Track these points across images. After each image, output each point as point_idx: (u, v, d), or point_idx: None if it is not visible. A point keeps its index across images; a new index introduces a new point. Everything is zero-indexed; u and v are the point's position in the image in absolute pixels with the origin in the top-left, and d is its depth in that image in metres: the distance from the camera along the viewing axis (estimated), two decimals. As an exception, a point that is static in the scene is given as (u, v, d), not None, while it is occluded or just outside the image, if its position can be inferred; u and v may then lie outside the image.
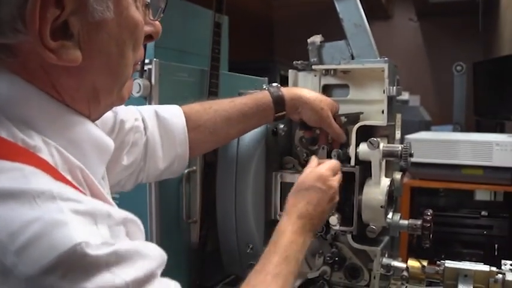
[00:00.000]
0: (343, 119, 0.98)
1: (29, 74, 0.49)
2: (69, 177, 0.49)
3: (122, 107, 0.80)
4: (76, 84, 0.52)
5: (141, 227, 0.52)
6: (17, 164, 0.44)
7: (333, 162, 0.90)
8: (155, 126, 0.86)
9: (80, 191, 0.48)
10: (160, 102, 1.05)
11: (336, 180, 0.87)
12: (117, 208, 0.49)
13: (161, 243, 1.04)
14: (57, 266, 0.40)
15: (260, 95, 0.94)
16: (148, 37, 0.61)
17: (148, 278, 0.46)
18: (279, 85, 0.98)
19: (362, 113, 1.01)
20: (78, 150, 0.53)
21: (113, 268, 0.43)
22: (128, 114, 0.82)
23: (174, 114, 0.89)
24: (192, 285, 1.16)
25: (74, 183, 0.49)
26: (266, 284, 0.69)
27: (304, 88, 1.01)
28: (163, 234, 1.07)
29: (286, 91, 0.95)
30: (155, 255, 0.49)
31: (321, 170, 0.86)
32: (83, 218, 0.43)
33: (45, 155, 0.48)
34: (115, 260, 0.43)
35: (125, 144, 0.81)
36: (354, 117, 1.00)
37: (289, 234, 0.77)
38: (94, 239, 0.42)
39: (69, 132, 0.52)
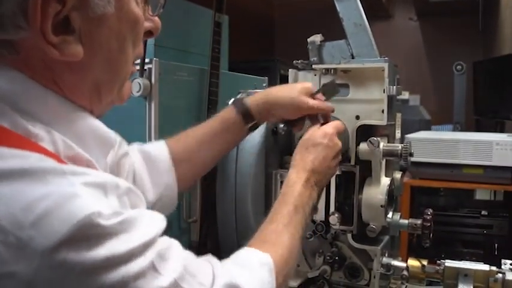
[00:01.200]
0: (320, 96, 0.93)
1: (31, 70, 0.50)
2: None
3: None
4: (78, 80, 0.53)
5: (142, 197, 0.55)
6: (18, 151, 0.45)
7: (337, 122, 0.90)
8: (139, 157, 0.84)
9: None
10: (161, 102, 1.05)
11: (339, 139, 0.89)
12: (122, 180, 0.51)
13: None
14: (72, 237, 0.41)
15: (226, 110, 0.92)
16: (148, 33, 0.62)
17: (154, 239, 0.49)
18: (246, 94, 0.96)
19: (334, 81, 0.96)
20: (82, 143, 0.53)
21: (122, 235, 0.45)
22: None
23: (156, 146, 0.88)
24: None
25: None
26: (278, 233, 0.72)
27: (274, 87, 0.97)
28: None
29: (252, 99, 0.92)
30: (157, 219, 0.53)
31: (327, 128, 0.87)
32: (94, 190, 0.45)
33: (46, 143, 0.49)
34: (125, 227, 0.45)
35: (120, 167, 0.78)
36: (331, 86, 0.94)
37: (297, 187, 0.79)
38: (105, 209, 0.44)
39: (72, 126, 0.53)
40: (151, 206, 0.84)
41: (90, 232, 0.42)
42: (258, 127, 0.94)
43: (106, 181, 0.47)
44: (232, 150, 1.04)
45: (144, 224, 0.49)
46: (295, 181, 0.79)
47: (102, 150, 0.57)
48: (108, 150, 0.59)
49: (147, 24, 0.60)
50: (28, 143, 0.47)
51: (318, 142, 0.84)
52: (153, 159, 0.85)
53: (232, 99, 0.95)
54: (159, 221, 0.54)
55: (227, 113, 0.91)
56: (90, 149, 0.54)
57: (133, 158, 0.82)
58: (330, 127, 0.87)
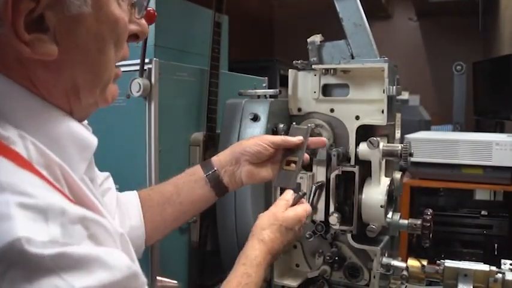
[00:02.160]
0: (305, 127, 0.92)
1: (6, 68, 0.49)
2: (44, 172, 0.46)
3: None
4: (53, 79, 0.51)
5: (111, 230, 0.46)
6: None
7: (308, 208, 0.89)
8: (114, 200, 0.83)
9: (54, 187, 0.46)
10: (161, 102, 1.05)
11: None
12: (77, 207, 0.44)
13: (162, 243, 1.05)
14: None
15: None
16: (134, 36, 0.60)
17: None
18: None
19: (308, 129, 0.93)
20: (57, 146, 0.51)
21: (62, 273, 0.39)
22: (100, 173, 0.80)
23: (128, 193, 0.87)
24: (192, 285, 1.16)
25: (49, 179, 0.46)
26: None
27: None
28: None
29: (218, 162, 0.89)
30: (120, 266, 0.43)
31: (303, 215, 0.86)
32: (31, 213, 0.40)
33: (18, 147, 0.46)
34: (66, 263, 0.40)
35: (106, 198, 0.79)
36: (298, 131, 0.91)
37: (261, 269, 0.77)
38: (40, 236, 0.39)
39: (47, 127, 0.51)
40: None
41: (16, 260, 0.38)
42: (223, 187, 0.88)
43: (49, 205, 0.41)
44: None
45: (99, 267, 0.41)
46: (259, 262, 0.78)
47: (80, 154, 0.54)
48: (87, 154, 0.56)
49: (132, 27, 0.59)
50: None
51: (291, 227, 0.83)
52: (122, 201, 0.84)
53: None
54: (125, 268, 0.44)
55: (191, 168, 0.90)
56: (66, 153, 0.52)
57: (112, 200, 0.82)
58: (304, 215, 0.86)
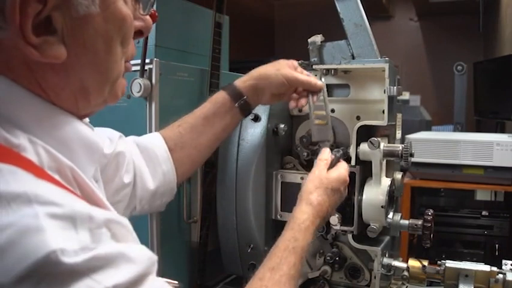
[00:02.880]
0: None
1: (13, 72, 0.47)
2: (56, 177, 0.47)
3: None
4: (62, 82, 0.50)
5: (129, 227, 0.49)
6: None
7: (346, 166, 0.90)
8: (135, 148, 0.85)
9: (69, 190, 0.46)
10: (161, 102, 1.05)
11: None
12: (100, 210, 0.46)
13: (162, 243, 1.05)
14: (31, 275, 0.38)
15: (216, 94, 0.94)
16: (139, 33, 0.59)
17: (135, 282, 0.44)
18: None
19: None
20: (66, 149, 0.51)
21: (94, 274, 0.41)
22: (113, 134, 0.82)
23: (151, 136, 0.89)
24: (192, 285, 1.16)
25: (62, 182, 0.47)
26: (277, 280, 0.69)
27: (260, 66, 0.97)
28: (164, 234, 1.07)
29: (239, 79, 0.94)
30: (142, 258, 0.46)
31: (346, 175, 0.88)
32: (61, 223, 0.40)
33: (30, 154, 0.46)
34: (96, 265, 0.41)
35: (121, 158, 0.80)
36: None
37: (308, 233, 0.79)
38: (72, 244, 0.40)
39: (56, 131, 0.50)
40: (153, 195, 0.86)
41: (51, 272, 0.38)
42: (250, 110, 0.94)
43: (76, 213, 0.42)
44: (232, 149, 1.04)
45: (124, 261, 0.44)
46: (308, 226, 0.79)
47: (89, 157, 0.55)
48: (95, 157, 0.56)
49: (137, 24, 0.58)
50: (7, 153, 0.44)
51: (337, 188, 0.85)
52: (150, 150, 0.86)
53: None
54: (146, 259, 0.47)
55: (217, 96, 0.93)
56: (76, 156, 0.52)
57: (132, 151, 0.83)
58: (347, 174, 0.88)
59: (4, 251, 0.38)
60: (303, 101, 0.94)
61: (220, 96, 0.92)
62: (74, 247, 0.40)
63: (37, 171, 0.44)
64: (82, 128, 0.54)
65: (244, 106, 0.92)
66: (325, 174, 0.85)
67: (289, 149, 1.10)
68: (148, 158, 0.86)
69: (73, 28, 0.48)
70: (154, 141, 0.88)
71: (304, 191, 0.84)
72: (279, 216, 1.06)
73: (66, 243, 0.39)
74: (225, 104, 0.92)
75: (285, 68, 0.93)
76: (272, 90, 0.93)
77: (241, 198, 1.07)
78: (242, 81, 0.93)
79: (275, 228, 1.09)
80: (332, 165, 0.88)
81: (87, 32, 0.49)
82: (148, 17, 0.60)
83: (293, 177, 1.05)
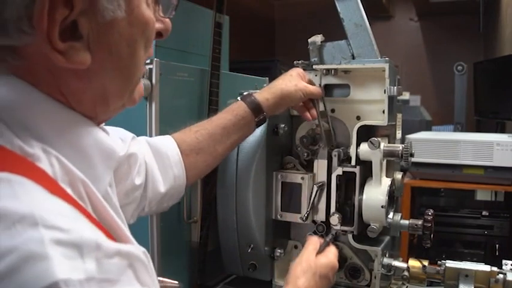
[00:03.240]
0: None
1: (34, 77, 0.47)
2: (69, 190, 0.45)
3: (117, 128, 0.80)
4: (84, 87, 0.49)
5: (145, 260, 0.46)
6: (4, 174, 0.40)
7: (335, 252, 0.90)
8: (148, 150, 0.85)
9: (80, 207, 0.44)
10: (161, 102, 1.05)
11: None
12: (110, 242, 0.43)
13: (162, 243, 1.05)
14: None
15: (235, 106, 0.94)
16: (158, 35, 0.58)
17: None
18: (250, 91, 0.99)
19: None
20: (84, 157, 0.50)
21: None
22: (125, 134, 0.81)
23: (164, 139, 0.89)
24: (192, 285, 1.16)
25: (74, 197, 0.45)
26: None
27: (275, 80, 1.00)
28: (164, 234, 1.07)
29: (261, 95, 0.95)
30: None
31: (335, 261, 0.88)
32: (66, 250, 0.38)
33: (44, 164, 0.44)
34: None
35: (133, 160, 0.79)
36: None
37: None
38: (76, 274, 0.38)
39: (74, 138, 0.49)
40: (162, 197, 0.86)
41: None
42: (264, 122, 0.96)
43: (84, 241, 0.40)
44: (233, 150, 1.05)
45: None
46: None
47: (106, 164, 0.53)
48: (112, 164, 0.55)
49: (157, 26, 0.56)
50: (21, 162, 0.43)
51: (326, 275, 0.84)
52: (163, 152, 0.86)
53: (240, 96, 0.97)
54: None
55: (238, 108, 0.93)
56: (93, 164, 0.51)
57: (144, 152, 0.83)
58: (336, 261, 0.88)
59: (4, 277, 0.36)
60: (314, 112, 1.02)
61: (242, 109, 0.93)
62: (79, 277, 0.38)
63: (50, 184, 0.43)
64: (100, 135, 0.53)
65: (262, 120, 0.95)
66: (314, 258, 0.85)
67: (290, 149, 1.10)
68: (160, 160, 0.85)
69: (99, 33, 0.47)
70: (167, 144, 0.88)
71: (291, 275, 0.82)
72: (279, 216, 1.06)
73: (71, 273, 0.38)
74: (245, 117, 0.93)
75: (301, 82, 0.99)
76: (289, 105, 1.01)
77: (241, 198, 1.07)
78: (265, 99, 0.95)
79: (275, 228, 1.09)
80: (321, 250, 0.87)
81: (112, 37, 0.48)
82: (167, 19, 0.59)
83: (293, 177, 1.05)
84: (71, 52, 0.45)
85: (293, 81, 0.98)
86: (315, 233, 1.05)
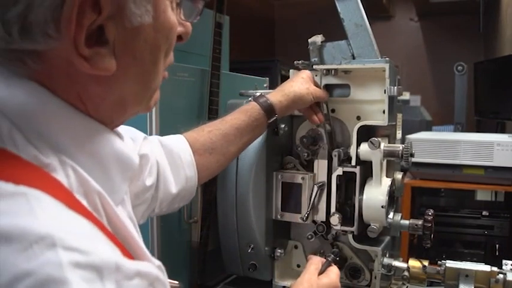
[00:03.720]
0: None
1: (52, 82, 0.45)
2: (84, 202, 0.44)
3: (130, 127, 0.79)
4: (104, 94, 0.48)
5: (163, 278, 0.46)
6: (21, 188, 0.38)
7: (337, 272, 0.90)
8: (160, 150, 0.84)
9: (95, 220, 0.43)
10: (161, 102, 1.04)
11: None
12: (130, 261, 0.42)
13: (162, 243, 1.05)
14: None
15: (248, 107, 0.94)
16: (178, 38, 0.56)
17: None
18: (262, 93, 0.99)
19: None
20: (101, 167, 0.48)
21: None
22: (136, 134, 0.80)
23: (176, 139, 0.88)
24: (193, 285, 1.16)
25: (89, 209, 0.44)
26: None
27: (286, 82, 1.01)
28: (164, 234, 1.07)
29: (274, 97, 0.95)
30: None
31: (337, 281, 0.87)
32: (86, 273, 0.37)
33: (59, 175, 0.43)
34: None
35: (144, 160, 0.78)
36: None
37: None
38: None
39: (91, 147, 0.48)
40: (173, 198, 0.85)
41: None
42: (275, 123, 0.97)
43: (103, 263, 0.38)
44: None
45: None
46: None
47: (122, 174, 0.52)
48: (129, 175, 0.54)
49: (178, 29, 0.54)
50: (37, 173, 0.41)
51: None
52: (175, 153, 0.85)
53: (252, 97, 0.97)
54: None
55: (251, 109, 0.94)
56: (110, 175, 0.50)
57: (156, 152, 0.82)
58: (338, 281, 0.88)
59: None
60: (321, 116, 1.02)
61: (256, 111, 0.93)
62: None
63: (66, 197, 0.41)
64: (118, 144, 0.51)
65: (273, 122, 0.95)
66: (316, 279, 0.84)
67: (290, 149, 1.10)
68: (172, 161, 0.84)
69: (125, 39, 0.45)
70: (180, 144, 0.87)
71: None
72: (279, 216, 1.06)
73: None
74: (258, 119, 0.93)
75: (311, 85, 1.00)
76: (299, 108, 1.01)
77: (241, 198, 1.07)
78: (278, 101, 0.95)
79: (275, 228, 1.09)
80: (323, 270, 0.87)
81: (138, 43, 0.47)
82: (188, 22, 0.57)
83: (293, 177, 1.05)
84: (96, 58, 0.44)
85: (305, 84, 0.99)
86: (315, 233, 1.05)
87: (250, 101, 0.96)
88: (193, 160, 0.87)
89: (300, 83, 0.99)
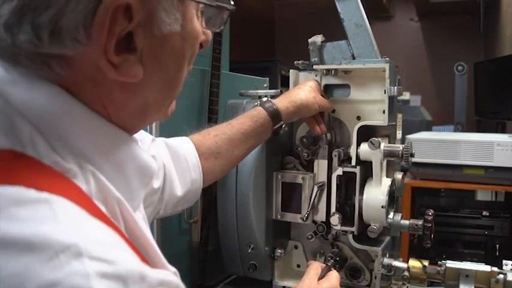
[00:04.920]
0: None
1: (76, 87, 0.44)
2: (103, 208, 0.43)
3: None
4: (127, 100, 0.47)
5: (182, 286, 0.47)
6: (44, 195, 0.37)
7: (337, 276, 0.90)
8: (166, 152, 0.84)
9: (114, 226, 0.43)
10: (161, 102, 1.05)
11: None
12: (153, 270, 0.42)
13: (162, 243, 1.05)
14: None
15: (255, 112, 0.94)
16: (199, 45, 0.56)
17: None
18: (270, 98, 0.98)
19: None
20: (120, 173, 0.48)
21: None
22: (145, 136, 0.80)
23: (182, 141, 0.88)
24: (193, 285, 1.16)
25: (108, 216, 0.43)
26: None
27: (294, 89, 1.01)
28: (164, 234, 1.07)
29: (280, 103, 0.95)
30: None
31: (337, 285, 0.88)
32: (112, 283, 0.36)
33: (80, 181, 0.42)
34: None
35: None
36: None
37: None
38: None
39: (113, 153, 0.48)
40: (178, 201, 0.85)
41: None
42: (280, 129, 0.97)
43: (128, 272, 0.38)
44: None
45: None
46: None
47: (141, 181, 0.52)
48: (146, 181, 0.54)
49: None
50: (58, 179, 0.41)
51: None
52: (181, 155, 0.85)
53: (258, 102, 0.97)
54: None
55: (258, 114, 0.93)
56: (129, 181, 0.50)
57: (162, 154, 0.82)
58: (338, 284, 0.88)
59: None
60: (323, 126, 1.02)
61: (262, 117, 0.93)
62: None
63: (87, 204, 0.41)
64: (138, 150, 0.51)
65: (278, 128, 0.96)
66: (316, 284, 0.85)
67: (290, 149, 1.10)
68: (178, 164, 0.84)
69: (153, 46, 0.45)
70: (186, 146, 0.87)
71: None
72: (279, 216, 1.06)
73: None
74: (264, 124, 0.93)
75: (318, 95, 1.00)
76: (304, 116, 1.00)
77: (241, 199, 1.07)
78: (285, 107, 0.95)
79: (275, 229, 1.09)
80: (323, 275, 0.88)
81: (165, 51, 0.47)
82: (209, 30, 0.57)
83: (294, 177, 1.05)
84: (125, 65, 0.44)
85: (312, 92, 0.99)
86: (315, 233, 1.05)
87: (257, 105, 0.95)
88: (199, 163, 0.87)
89: (308, 92, 0.98)
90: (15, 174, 0.39)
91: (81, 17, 0.40)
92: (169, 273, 0.45)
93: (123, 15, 0.41)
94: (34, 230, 0.35)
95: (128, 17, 0.42)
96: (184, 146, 0.87)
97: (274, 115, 0.93)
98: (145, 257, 0.45)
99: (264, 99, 0.98)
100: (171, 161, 0.83)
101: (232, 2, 0.57)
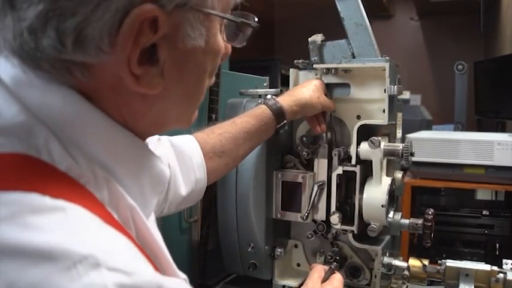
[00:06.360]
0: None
1: (95, 94, 0.44)
2: (115, 215, 0.43)
3: None
4: (145, 110, 0.47)
5: None
6: (59, 202, 0.37)
7: (341, 279, 0.89)
8: (171, 151, 0.83)
9: (127, 233, 0.42)
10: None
11: None
12: (169, 278, 0.42)
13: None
14: None
15: (258, 110, 0.93)
16: None
17: None
18: (274, 96, 0.98)
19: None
20: (136, 180, 0.48)
21: None
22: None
23: (187, 140, 0.88)
24: (193, 284, 1.16)
25: (120, 223, 0.43)
26: None
27: (298, 87, 1.01)
28: (164, 233, 1.06)
29: (284, 101, 0.95)
30: None
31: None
32: None
33: (93, 187, 0.42)
34: None
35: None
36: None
37: None
38: None
39: (129, 161, 0.48)
40: (182, 200, 0.84)
41: None
42: (283, 128, 0.96)
43: (146, 284, 0.37)
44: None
45: None
46: None
47: (153, 189, 0.52)
48: (159, 189, 0.54)
49: None
50: (72, 186, 0.40)
51: None
52: (186, 154, 0.85)
53: (261, 100, 0.96)
54: None
55: (262, 113, 0.93)
56: (143, 188, 0.49)
57: (167, 153, 0.82)
58: (341, 286, 0.88)
59: None
60: (324, 126, 1.02)
61: (266, 115, 0.93)
62: None
63: (101, 211, 0.40)
64: (154, 159, 0.51)
65: (281, 127, 0.95)
66: (319, 286, 0.85)
67: (290, 148, 1.10)
68: (182, 163, 0.84)
69: (175, 60, 0.45)
70: (190, 145, 0.87)
71: None
72: (279, 215, 1.06)
73: None
74: (268, 123, 0.93)
75: (322, 95, 1.00)
76: (306, 115, 1.00)
77: (241, 198, 1.07)
78: (289, 106, 0.95)
79: (275, 228, 1.09)
80: (326, 277, 0.88)
81: (187, 65, 0.47)
82: (229, 44, 0.56)
83: (294, 176, 1.05)
84: (146, 77, 0.43)
85: (316, 92, 0.99)
86: (315, 232, 1.05)
87: (260, 103, 0.95)
88: (203, 162, 0.86)
89: (312, 91, 0.98)
90: (30, 181, 0.38)
91: (107, 26, 0.40)
92: (182, 281, 0.45)
93: (148, 27, 0.41)
94: (50, 239, 0.35)
95: (153, 29, 0.41)
96: (189, 145, 0.87)
97: (279, 114, 0.93)
98: (156, 264, 0.45)
99: (268, 97, 0.97)
100: (176, 160, 0.83)
101: (256, 19, 0.57)
